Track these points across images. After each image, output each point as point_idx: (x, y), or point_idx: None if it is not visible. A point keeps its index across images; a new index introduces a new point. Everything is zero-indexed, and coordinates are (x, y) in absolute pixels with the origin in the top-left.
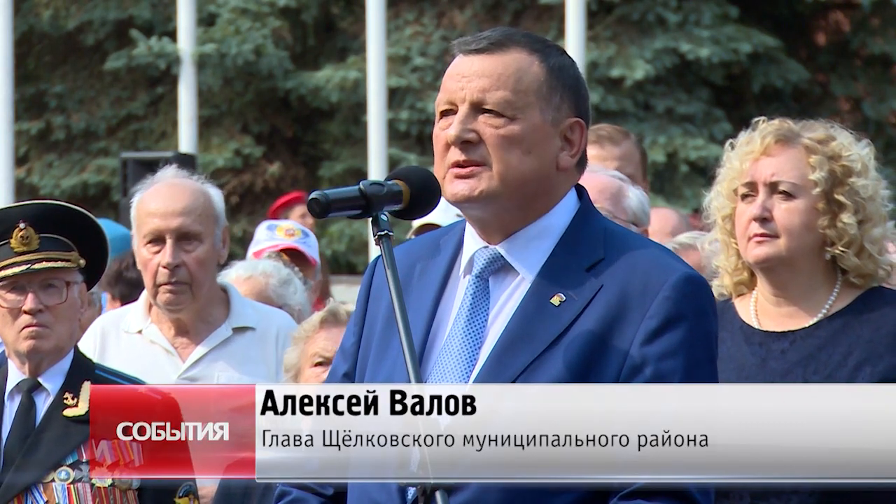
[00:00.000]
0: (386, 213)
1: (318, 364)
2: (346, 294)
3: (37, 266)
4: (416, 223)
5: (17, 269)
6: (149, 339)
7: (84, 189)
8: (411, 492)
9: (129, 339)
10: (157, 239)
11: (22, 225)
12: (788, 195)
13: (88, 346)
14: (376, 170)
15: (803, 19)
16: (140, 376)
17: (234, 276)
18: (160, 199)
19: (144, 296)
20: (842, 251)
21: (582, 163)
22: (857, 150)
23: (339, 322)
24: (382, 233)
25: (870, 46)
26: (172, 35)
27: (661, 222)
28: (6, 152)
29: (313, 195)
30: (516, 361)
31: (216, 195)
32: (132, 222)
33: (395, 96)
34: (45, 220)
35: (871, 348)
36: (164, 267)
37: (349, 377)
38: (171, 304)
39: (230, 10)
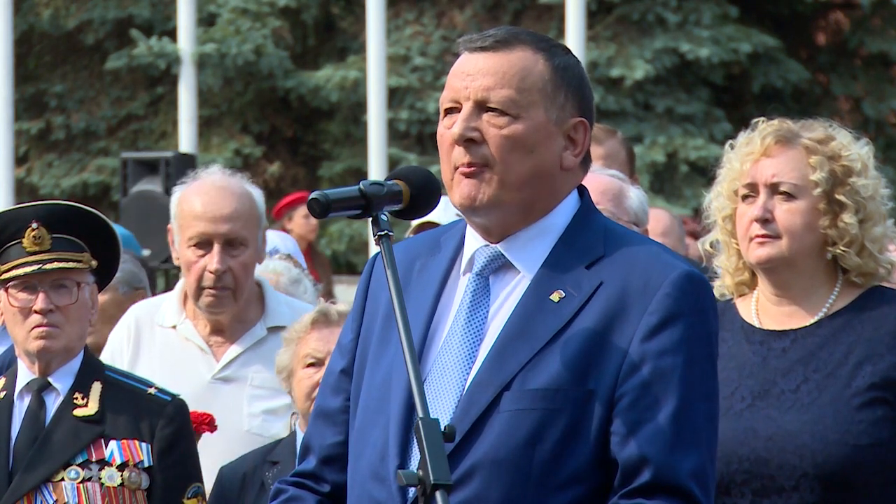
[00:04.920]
0: (386, 213)
1: (310, 365)
2: (346, 294)
3: (48, 266)
4: (415, 222)
5: (28, 269)
6: (183, 336)
7: (84, 189)
8: (411, 491)
9: (163, 333)
10: (204, 243)
11: (34, 225)
12: (789, 196)
13: (122, 336)
14: (376, 170)
15: (803, 19)
16: (173, 374)
17: None
18: (208, 203)
19: (179, 288)
20: (843, 251)
21: (586, 163)
22: (856, 150)
23: (330, 322)
24: (382, 233)
25: (869, 46)
26: (172, 35)
27: (653, 223)
28: (6, 152)
29: (313, 195)
30: (516, 358)
31: (258, 196)
32: (173, 220)
33: (395, 96)
34: (57, 221)
35: (872, 347)
36: (212, 272)
37: (347, 374)
38: (213, 307)
39: (230, 10)
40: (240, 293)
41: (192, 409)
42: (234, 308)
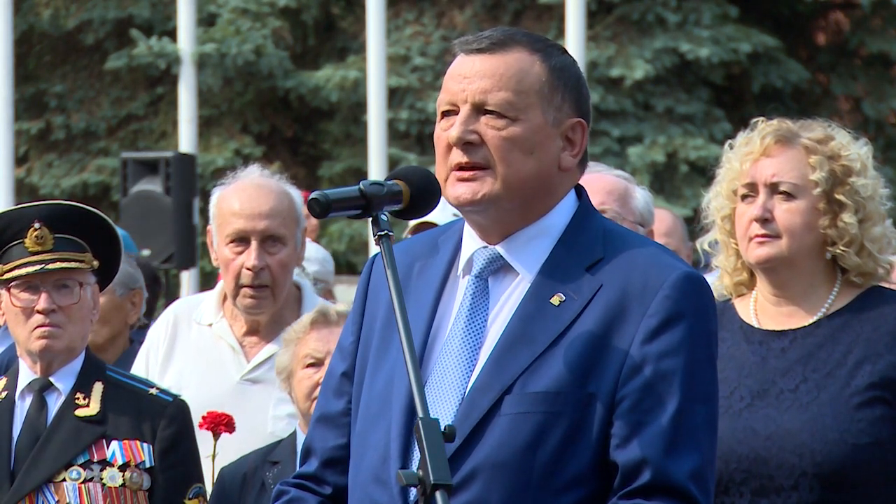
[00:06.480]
0: (386, 213)
1: (310, 365)
2: (346, 294)
3: (51, 266)
4: (413, 222)
5: (31, 269)
6: (217, 335)
7: (84, 189)
8: (412, 493)
9: (199, 330)
10: (242, 240)
11: (37, 225)
12: (789, 195)
13: (160, 332)
14: (376, 170)
15: (803, 19)
16: (203, 373)
17: None
18: (246, 200)
19: (219, 287)
20: (843, 251)
21: (583, 163)
22: (855, 150)
23: (329, 323)
24: (382, 233)
25: (870, 46)
26: (172, 35)
27: (656, 223)
28: (6, 152)
29: (313, 195)
30: (516, 362)
31: (297, 196)
32: (212, 220)
33: (395, 96)
34: (59, 221)
35: (871, 346)
36: (249, 269)
37: (348, 376)
38: (252, 308)
39: (230, 10)
40: (278, 291)
41: (218, 408)
42: (273, 307)
